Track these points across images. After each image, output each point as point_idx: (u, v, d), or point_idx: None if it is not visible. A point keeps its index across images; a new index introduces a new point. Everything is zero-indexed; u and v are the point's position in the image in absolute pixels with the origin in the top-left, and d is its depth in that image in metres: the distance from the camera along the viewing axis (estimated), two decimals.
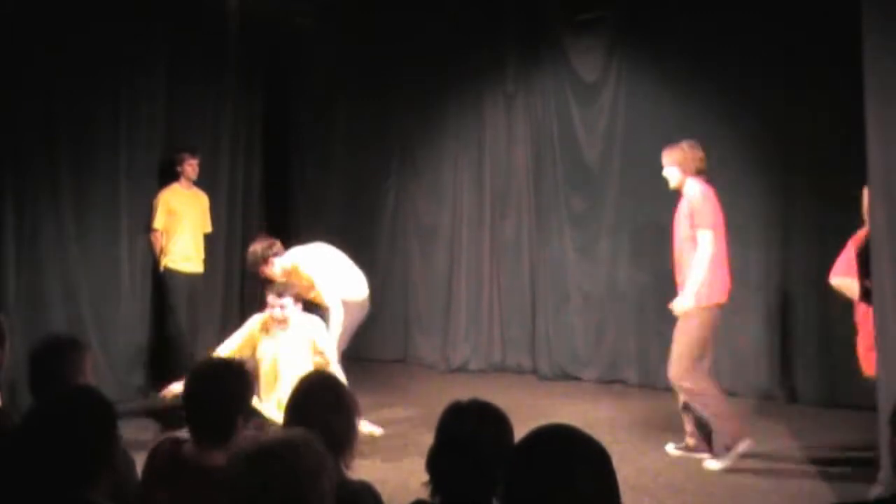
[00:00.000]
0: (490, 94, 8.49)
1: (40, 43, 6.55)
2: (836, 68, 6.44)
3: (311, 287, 6.24)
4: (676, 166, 5.59)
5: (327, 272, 6.28)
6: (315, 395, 2.66)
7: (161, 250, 7.39)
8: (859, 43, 5.02)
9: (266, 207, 8.99)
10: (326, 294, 6.18)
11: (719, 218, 5.50)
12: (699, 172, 5.54)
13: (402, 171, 8.92)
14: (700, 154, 5.56)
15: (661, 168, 7.51)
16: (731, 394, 7.18)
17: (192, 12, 7.60)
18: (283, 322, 5.78)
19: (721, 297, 5.49)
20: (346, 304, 6.23)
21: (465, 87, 8.55)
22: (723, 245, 5.52)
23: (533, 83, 8.26)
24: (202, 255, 7.58)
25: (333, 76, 9.01)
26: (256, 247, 6.23)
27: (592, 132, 8.00)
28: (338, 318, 6.10)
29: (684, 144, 5.59)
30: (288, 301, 5.76)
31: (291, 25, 8.65)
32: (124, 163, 7.26)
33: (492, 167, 8.53)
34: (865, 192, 4.63)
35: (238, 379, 2.80)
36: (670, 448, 5.74)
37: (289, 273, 6.18)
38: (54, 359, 3.25)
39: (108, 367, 7.02)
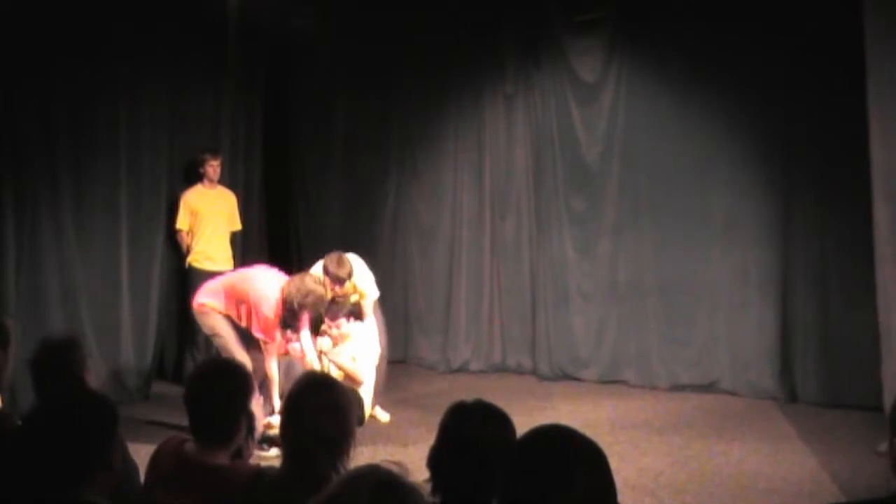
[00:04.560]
0: (490, 95, 8.48)
1: (40, 43, 6.54)
2: (837, 68, 6.45)
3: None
4: None
5: (370, 281, 6.57)
6: (309, 397, 2.63)
7: (187, 249, 7.62)
8: (860, 44, 5.03)
9: (266, 207, 9.00)
10: (370, 303, 6.55)
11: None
12: None
13: (402, 172, 8.91)
14: None
15: (660, 168, 7.58)
16: (731, 393, 7.23)
17: (192, 12, 7.59)
18: (345, 338, 6.40)
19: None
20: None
21: (465, 87, 8.53)
22: None
23: (533, 84, 8.24)
24: (229, 254, 7.75)
25: (333, 76, 9.00)
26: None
27: (592, 132, 7.99)
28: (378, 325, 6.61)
29: None
30: (342, 321, 6.44)
31: (291, 25, 8.64)
32: (124, 163, 7.25)
33: (492, 168, 8.51)
34: None
35: (239, 379, 2.80)
36: None
37: (347, 293, 6.40)
38: (55, 359, 3.26)
39: (108, 369, 7.01)
